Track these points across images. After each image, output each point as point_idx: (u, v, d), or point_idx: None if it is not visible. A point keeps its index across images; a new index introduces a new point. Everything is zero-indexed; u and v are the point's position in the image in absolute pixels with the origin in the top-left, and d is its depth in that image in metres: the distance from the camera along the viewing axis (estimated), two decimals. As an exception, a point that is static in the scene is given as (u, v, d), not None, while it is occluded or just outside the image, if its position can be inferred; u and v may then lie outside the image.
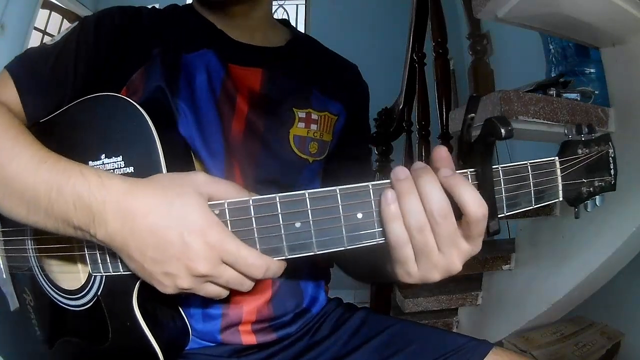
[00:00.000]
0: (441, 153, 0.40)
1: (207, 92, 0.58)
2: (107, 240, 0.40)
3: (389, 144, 2.02)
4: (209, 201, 0.40)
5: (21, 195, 0.42)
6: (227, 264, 0.39)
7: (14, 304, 0.57)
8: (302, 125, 0.63)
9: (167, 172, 0.45)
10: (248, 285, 0.41)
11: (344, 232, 0.40)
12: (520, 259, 1.48)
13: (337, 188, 0.39)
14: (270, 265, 0.40)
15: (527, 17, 1.15)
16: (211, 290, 0.41)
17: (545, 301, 1.34)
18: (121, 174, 0.46)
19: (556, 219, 1.37)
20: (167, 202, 0.39)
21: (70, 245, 0.49)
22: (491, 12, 1.13)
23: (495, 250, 1.55)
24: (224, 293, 0.42)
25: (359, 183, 0.40)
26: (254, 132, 0.60)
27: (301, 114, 0.63)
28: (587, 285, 1.26)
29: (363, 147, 0.75)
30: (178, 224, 0.38)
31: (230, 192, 0.41)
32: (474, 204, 0.37)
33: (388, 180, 0.39)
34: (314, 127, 0.64)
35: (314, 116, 0.64)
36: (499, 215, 0.40)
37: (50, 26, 3.31)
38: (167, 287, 0.41)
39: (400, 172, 0.38)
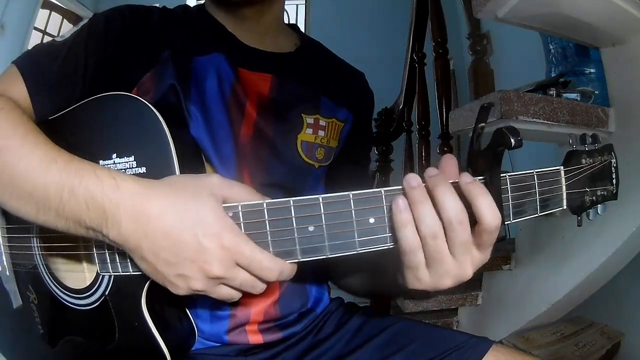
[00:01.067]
0: (449, 162, 0.40)
1: (217, 96, 0.58)
2: (120, 241, 0.40)
3: (389, 144, 2.02)
4: (223, 204, 0.40)
5: (30, 194, 0.42)
6: (241, 266, 0.39)
7: (16, 301, 0.57)
8: (310, 131, 0.63)
9: (180, 173, 0.45)
10: (261, 287, 0.41)
11: (356, 237, 0.40)
12: (520, 259, 1.48)
13: (350, 193, 0.40)
14: (283, 269, 0.40)
15: (527, 17, 1.15)
16: (224, 292, 0.41)
17: (545, 301, 1.34)
18: (133, 174, 0.45)
19: (556, 220, 1.37)
20: (181, 203, 0.39)
21: (76, 244, 0.49)
22: (491, 12, 1.13)
23: (495, 250, 1.54)
24: (237, 295, 0.42)
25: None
26: (262, 136, 0.60)
27: (309, 120, 0.63)
28: (587, 285, 1.26)
29: (364, 153, 0.75)
30: (193, 226, 0.38)
31: (243, 195, 0.41)
32: (492, 214, 0.37)
33: (400, 187, 0.40)
34: (321, 133, 0.64)
35: (322, 122, 0.64)
36: (505, 222, 0.41)
37: (50, 26, 3.31)
38: (179, 288, 0.40)
39: (412, 179, 0.38)
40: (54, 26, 3.33)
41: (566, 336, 1.36)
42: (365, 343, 0.60)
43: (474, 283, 1.64)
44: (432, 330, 0.62)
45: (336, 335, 0.63)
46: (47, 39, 3.16)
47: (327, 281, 0.71)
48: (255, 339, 0.60)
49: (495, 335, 1.42)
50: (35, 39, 3.05)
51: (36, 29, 3.10)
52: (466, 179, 0.38)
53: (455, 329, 1.65)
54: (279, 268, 0.40)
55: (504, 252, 1.52)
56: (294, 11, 3.98)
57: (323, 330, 0.65)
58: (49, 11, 3.30)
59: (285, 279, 0.41)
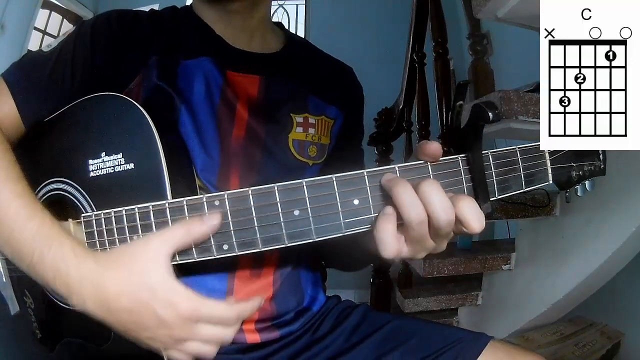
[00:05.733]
0: (432, 148, 0.41)
1: (205, 99, 0.58)
2: (88, 312, 0.42)
3: (389, 144, 2.02)
4: (176, 250, 0.42)
5: (7, 240, 0.44)
6: (202, 323, 0.42)
7: (14, 308, 0.57)
8: (300, 129, 0.63)
9: (167, 168, 0.46)
10: (228, 336, 0.44)
11: (341, 219, 0.41)
12: (520, 259, 1.48)
13: (334, 176, 0.41)
14: (242, 311, 0.44)
15: (527, 17, 1.15)
16: (195, 349, 0.44)
17: (545, 301, 1.34)
18: (121, 170, 0.47)
19: (556, 219, 1.37)
20: (134, 282, 0.41)
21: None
22: (491, 12, 1.13)
23: (495, 250, 1.56)
24: (209, 351, 0.44)
25: None
26: (254, 138, 0.60)
27: (299, 118, 0.64)
28: (587, 285, 1.26)
29: (357, 149, 0.76)
30: (149, 302, 0.41)
31: (183, 241, 0.42)
32: (477, 220, 0.38)
33: (381, 168, 0.41)
34: (311, 130, 0.64)
35: (311, 120, 0.65)
36: (491, 198, 0.42)
37: (50, 26, 3.30)
38: (151, 347, 0.43)
39: (388, 174, 0.40)
40: (54, 26, 3.32)
41: (566, 336, 1.37)
42: (364, 340, 0.61)
43: (474, 283, 1.65)
44: (430, 327, 0.62)
45: (334, 332, 0.63)
46: (47, 38, 3.16)
47: (322, 279, 0.71)
48: (253, 338, 0.60)
49: (496, 335, 1.41)
50: (35, 39, 3.05)
51: (36, 29, 3.10)
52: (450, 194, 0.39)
53: (455, 328, 1.65)
54: (237, 312, 0.43)
55: (504, 252, 1.52)
56: (294, 11, 3.98)
57: (321, 328, 0.65)
58: (49, 11, 3.30)
59: (248, 317, 0.45)
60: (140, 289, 0.41)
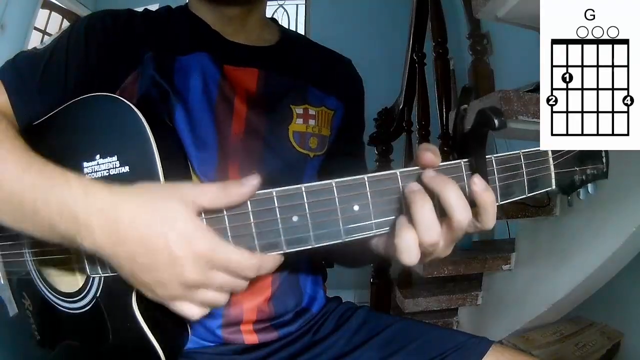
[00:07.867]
0: (427, 159, 0.40)
1: (201, 94, 0.58)
2: (95, 250, 0.39)
3: (389, 144, 2.02)
4: (208, 206, 0.39)
5: (7, 201, 0.42)
6: (217, 269, 0.39)
7: (12, 309, 0.57)
8: (300, 121, 0.63)
9: (163, 171, 0.45)
10: (242, 286, 0.41)
11: (341, 225, 0.40)
12: (520, 259, 1.48)
13: (333, 181, 0.39)
14: (262, 263, 0.39)
15: (527, 17, 1.15)
16: (207, 297, 0.40)
17: (545, 301, 1.34)
18: (116, 173, 0.45)
19: (556, 219, 1.37)
20: (152, 209, 0.38)
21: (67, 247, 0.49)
22: (491, 12, 1.13)
23: (495, 250, 1.56)
24: (222, 299, 0.41)
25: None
26: (254, 131, 0.60)
27: (298, 110, 0.63)
28: (587, 285, 1.26)
29: (358, 142, 0.75)
30: (164, 232, 0.37)
31: (218, 199, 0.39)
32: (493, 220, 0.39)
33: (382, 172, 0.40)
34: (312, 122, 0.64)
35: (311, 111, 0.64)
36: None
37: (50, 26, 3.31)
38: (158, 295, 0.40)
39: (413, 184, 0.39)
40: (54, 26, 3.32)
41: (566, 336, 1.37)
42: (365, 342, 0.60)
43: (474, 283, 1.65)
44: (432, 330, 0.62)
45: (335, 334, 0.63)
46: (47, 39, 3.16)
47: (322, 279, 0.71)
48: (251, 339, 0.60)
49: (495, 335, 1.42)
50: (35, 39, 3.05)
51: (36, 29, 3.10)
52: (480, 186, 0.38)
53: (455, 329, 1.66)
54: (257, 263, 0.39)
55: (504, 252, 1.52)
56: (294, 11, 3.97)
57: (321, 329, 0.65)
58: (49, 11, 3.30)
59: (268, 272, 0.40)
60: (158, 218, 0.37)
